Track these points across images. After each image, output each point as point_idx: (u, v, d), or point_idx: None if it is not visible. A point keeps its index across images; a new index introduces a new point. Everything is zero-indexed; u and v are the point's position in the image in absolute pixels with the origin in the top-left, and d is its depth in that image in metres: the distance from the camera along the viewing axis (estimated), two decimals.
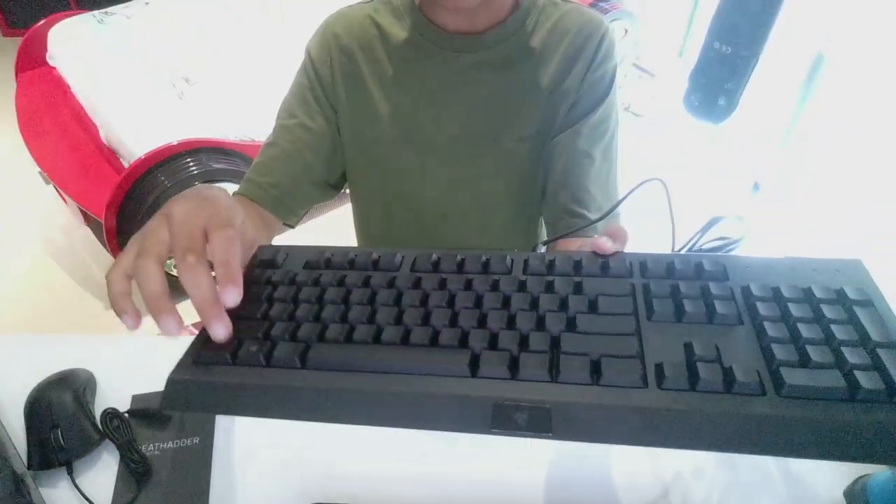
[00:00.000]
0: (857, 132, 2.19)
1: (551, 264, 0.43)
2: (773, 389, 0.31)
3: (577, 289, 0.40)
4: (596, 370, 0.34)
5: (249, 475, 0.59)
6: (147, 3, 2.36)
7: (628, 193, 0.59)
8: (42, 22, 2.29)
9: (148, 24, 2.22)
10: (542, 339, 0.36)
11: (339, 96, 0.75)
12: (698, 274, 0.40)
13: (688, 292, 0.38)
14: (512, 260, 0.44)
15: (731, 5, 1.85)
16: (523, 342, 0.37)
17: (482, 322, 0.38)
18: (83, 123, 2.05)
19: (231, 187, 1.87)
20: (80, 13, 2.34)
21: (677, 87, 2.83)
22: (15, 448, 0.58)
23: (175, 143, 1.75)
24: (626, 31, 2.92)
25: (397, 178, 0.79)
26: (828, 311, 0.35)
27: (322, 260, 0.46)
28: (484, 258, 0.43)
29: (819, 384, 0.30)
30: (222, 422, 0.63)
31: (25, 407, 0.61)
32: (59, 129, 2.09)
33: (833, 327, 0.34)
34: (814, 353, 0.32)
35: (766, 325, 0.35)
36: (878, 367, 0.31)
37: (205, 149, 1.83)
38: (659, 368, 0.33)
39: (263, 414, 0.38)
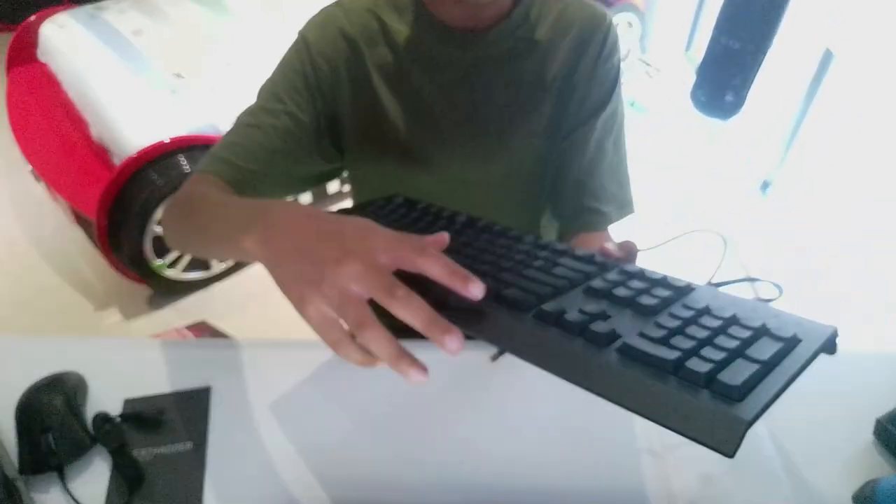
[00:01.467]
0: (865, 129, 2.19)
1: (556, 249, 0.49)
2: (616, 348, 0.36)
3: (552, 260, 0.47)
4: (500, 291, 0.42)
5: (243, 480, 0.58)
6: None
7: (675, 237, 0.61)
8: (33, 17, 2.27)
9: (140, 20, 2.20)
10: (490, 271, 0.45)
11: (342, 92, 0.73)
12: (660, 283, 0.43)
13: (631, 285, 0.42)
14: (532, 240, 0.52)
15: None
16: (477, 271, 0.44)
17: (464, 260, 0.46)
18: (74, 120, 2.03)
19: None
20: (71, 8, 2.32)
21: (684, 82, 2.81)
22: (6, 452, 0.58)
23: (167, 140, 1.74)
24: (631, 24, 2.90)
25: (403, 174, 0.78)
26: (732, 329, 0.37)
27: (420, 208, 0.61)
28: (512, 233, 0.53)
29: (651, 352, 0.34)
30: (216, 427, 0.63)
31: (16, 411, 0.60)
32: (51, 126, 2.07)
33: (720, 336, 0.36)
34: (677, 340, 0.36)
35: (664, 315, 0.39)
36: (719, 363, 0.33)
37: (198, 146, 1.81)
38: (546, 308, 0.39)
39: None
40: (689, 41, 3.23)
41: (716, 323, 0.38)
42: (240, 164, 0.67)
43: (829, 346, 0.39)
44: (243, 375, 0.68)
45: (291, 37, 0.74)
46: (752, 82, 1.93)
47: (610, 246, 0.49)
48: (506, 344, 0.40)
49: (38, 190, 2.15)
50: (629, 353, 0.35)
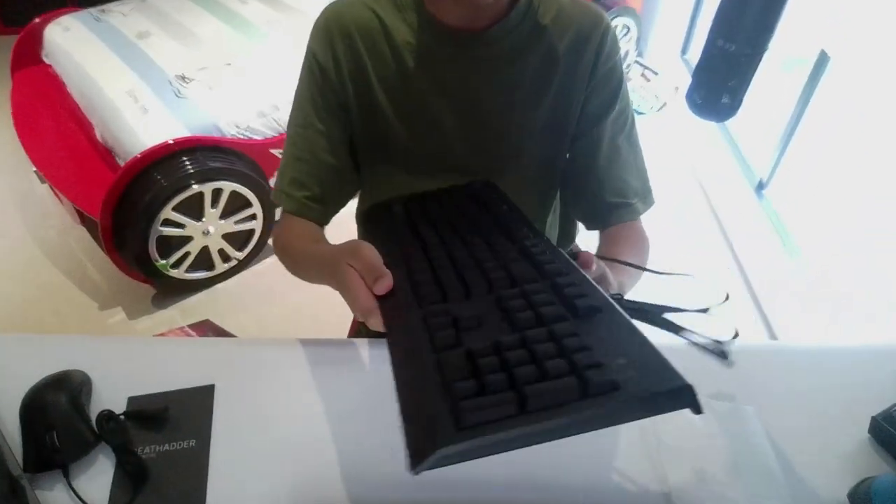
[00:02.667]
0: (861, 130, 2.19)
1: (543, 249, 0.55)
2: (439, 354, 0.41)
3: (515, 260, 0.52)
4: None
5: (246, 477, 0.59)
6: (143, 0, 2.36)
7: (660, 272, 0.62)
8: (38, 19, 2.29)
9: (144, 23, 2.22)
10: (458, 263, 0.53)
11: (349, 95, 0.74)
12: (564, 299, 0.45)
13: (534, 299, 0.45)
14: (521, 240, 0.57)
15: (735, 2, 1.84)
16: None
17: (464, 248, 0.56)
18: (79, 121, 2.04)
19: (228, 185, 1.86)
20: (76, 11, 2.34)
21: (680, 84, 2.83)
22: (10, 450, 0.58)
23: (171, 141, 1.75)
24: (628, 28, 2.92)
25: (405, 173, 0.79)
26: (553, 362, 0.38)
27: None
28: (516, 234, 0.58)
29: (451, 362, 0.39)
30: (219, 424, 0.63)
31: (21, 409, 0.61)
32: (55, 128, 2.08)
33: (527, 366, 0.38)
34: (487, 360, 0.39)
35: (518, 335, 0.41)
36: (479, 390, 0.36)
37: (201, 147, 1.82)
38: (429, 310, 0.46)
39: None
40: (685, 44, 3.25)
41: (552, 350, 0.39)
42: (302, 197, 0.76)
43: (681, 400, 0.36)
44: (246, 373, 0.68)
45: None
46: (748, 84, 1.92)
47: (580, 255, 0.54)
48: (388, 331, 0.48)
49: (43, 190, 2.16)
50: (438, 362, 0.40)
